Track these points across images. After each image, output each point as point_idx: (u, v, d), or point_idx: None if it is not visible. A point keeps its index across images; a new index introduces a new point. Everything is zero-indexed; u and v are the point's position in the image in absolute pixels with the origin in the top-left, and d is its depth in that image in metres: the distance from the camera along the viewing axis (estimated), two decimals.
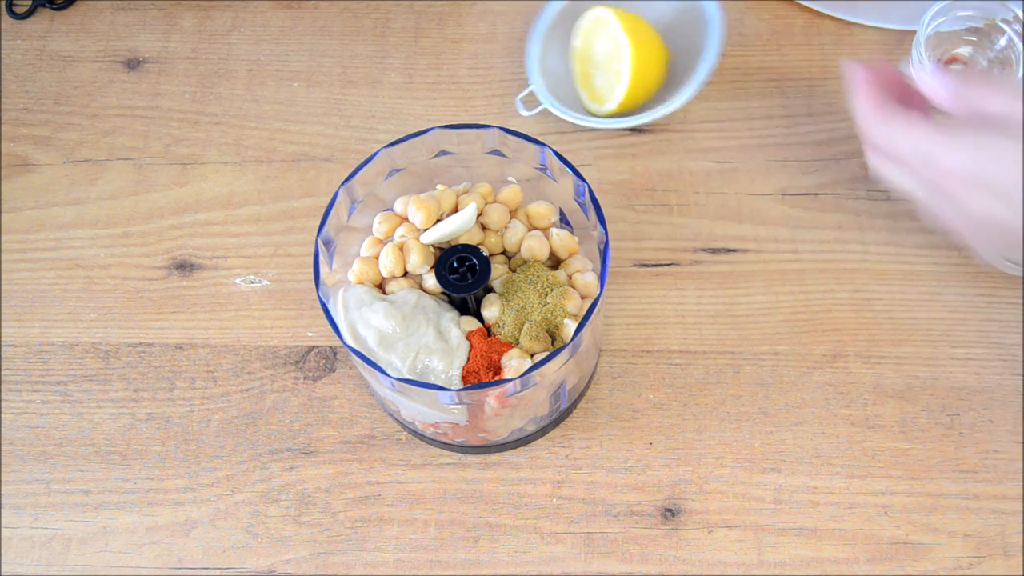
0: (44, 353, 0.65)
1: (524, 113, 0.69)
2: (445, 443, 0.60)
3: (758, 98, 0.71)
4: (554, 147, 0.57)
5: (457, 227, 0.55)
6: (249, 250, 0.68)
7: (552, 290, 0.55)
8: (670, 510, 0.59)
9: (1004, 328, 0.63)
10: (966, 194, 0.46)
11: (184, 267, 0.67)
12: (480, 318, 0.56)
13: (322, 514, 0.60)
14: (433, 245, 0.57)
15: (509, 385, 0.51)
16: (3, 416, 0.63)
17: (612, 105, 0.68)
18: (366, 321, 0.54)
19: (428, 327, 0.54)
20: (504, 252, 0.58)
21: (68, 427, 0.63)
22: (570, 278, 0.56)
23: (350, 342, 0.53)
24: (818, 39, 0.73)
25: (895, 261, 0.66)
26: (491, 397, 0.52)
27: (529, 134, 0.57)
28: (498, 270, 0.57)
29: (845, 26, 0.73)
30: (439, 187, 0.58)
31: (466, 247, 0.56)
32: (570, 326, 0.54)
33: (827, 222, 0.67)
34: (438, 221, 0.56)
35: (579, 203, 0.57)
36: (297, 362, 0.64)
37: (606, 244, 0.54)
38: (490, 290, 0.57)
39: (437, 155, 0.58)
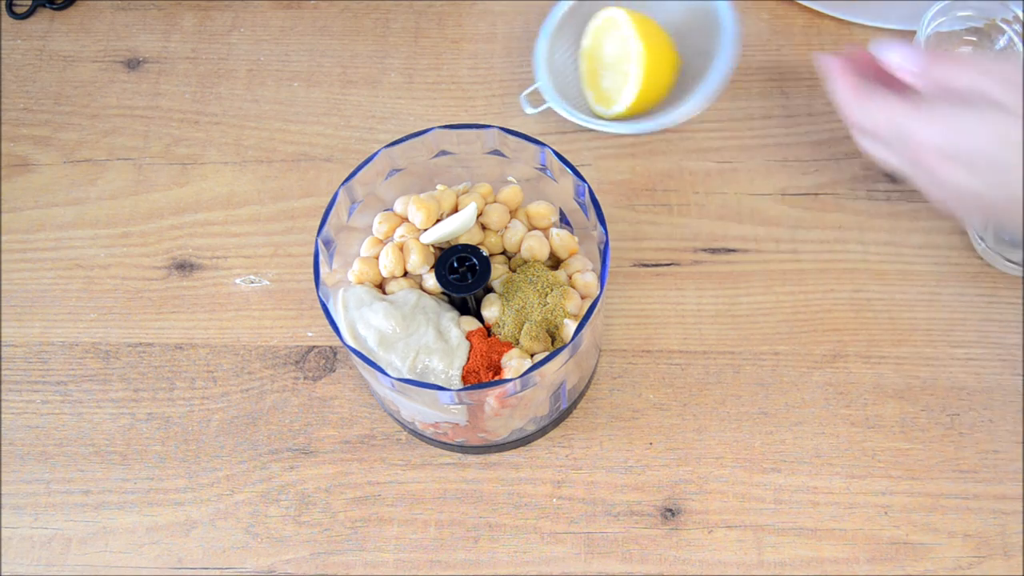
0: (44, 353, 0.65)
1: (528, 111, 0.68)
2: (445, 443, 0.60)
3: (758, 98, 0.71)
4: (554, 147, 0.57)
5: (457, 227, 0.55)
6: (249, 250, 0.68)
7: (552, 290, 0.55)
8: (670, 510, 0.59)
9: (1004, 328, 0.63)
10: (941, 167, 0.47)
11: (184, 267, 0.67)
12: (480, 318, 0.56)
13: (322, 514, 0.60)
14: (433, 245, 0.57)
15: (509, 385, 0.51)
16: (3, 416, 0.63)
17: (620, 108, 0.67)
18: (366, 321, 0.54)
19: (428, 327, 0.54)
20: (504, 252, 0.58)
21: (68, 427, 0.63)
22: (570, 278, 0.56)
23: (350, 342, 0.53)
24: (818, 39, 0.73)
25: (895, 261, 0.66)
26: (491, 397, 0.52)
27: (529, 134, 0.57)
28: (498, 270, 0.57)
29: (845, 26, 0.73)
30: (439, 187, 0.58)
31: (466, 247, 0.56)
32: (570, 326, 0.54)
33: (827, 222, 0.67)
34: (438, 221, 0.56)
35: (579, 203, 0.57)
36: (297, 362, 0.64)
37: (606, 244, 0.54)
38: (490, 290, 0.57)
39: (437, 155, 0.58)
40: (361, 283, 0.57)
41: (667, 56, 0.67)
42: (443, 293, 0.56)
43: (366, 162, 0.56)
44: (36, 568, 0.59)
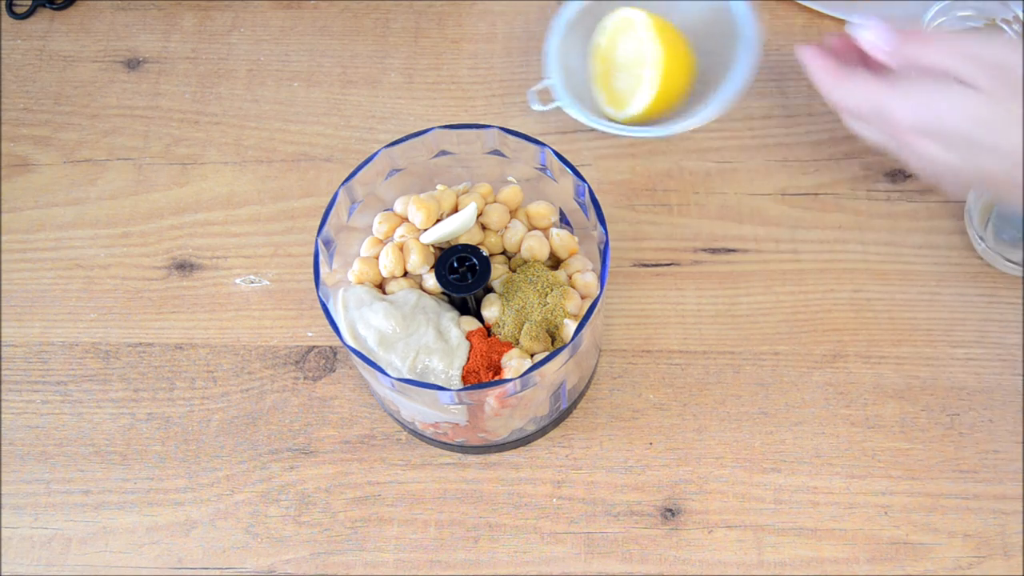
0: (44, 353, 0.65)
1: (536, 107, 0.66)
2: (445, 443, 0.60)
3: (758, 98, 0.71)
4: (554, 147, 0.57)
5: (457, 227, 0.55)
6: (249, 250, 0.68)
7: (552, 290, 0.55)
8: (670, 510, 0.59)
9: (1004, 328, 0.63)
10: (917, 143, 0.49)
11: (184, 267, 0.67)
12: (480, 318, 0.56)
13: (322, 514, 0.60)
14: (433, 245, 0.57)
15: (509, 385, 0.51)
16: (3, 416, 0.63)
17: (633, 111, 0.65)
18: (366, 321, 0.54)
19: (428, 327, 0.54)
20: (504, 252, 0.58)
21: (68, 427, 0.63)
22: (570, 278, 0.56)
23: (350, 342, 0.53)
24: (818, 39, 0.73)
25: (895, 261, 0.66)
26: (491, 397, 0.53)
27: (529, 134, 0.57)
28: (498, 270, 0.57)
29: (845, 26, 0.73)
30: (439, 187, 0.58)
31: (466, 247, 0.56)
32: (570, 326, 0.54)
33: (827, 222, 0.67)
34: (438, 221, 0.56)
35: (579, 203, 0.57)
36: (297, 362, 0.64)
37: (606, 244, 0.54)
38: (490, 290, 0.57)
39: (437, 155, 0.58)
40: (361, 283, 0.57)
41: (684, 62, 0.64)
42: (443, 293, 0.56)
43: (366, 162, 0.56)
44: (36, 568, 0.59)
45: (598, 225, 0.55)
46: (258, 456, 0.62)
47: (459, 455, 0.61)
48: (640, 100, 0.64)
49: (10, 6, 0.77)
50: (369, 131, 0.72)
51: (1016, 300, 0.64)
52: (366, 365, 0.51)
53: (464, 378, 0.53)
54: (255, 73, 0.74)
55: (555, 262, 0.58)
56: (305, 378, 0.64)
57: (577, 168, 0.56)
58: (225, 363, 0.64)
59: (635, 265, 0.66)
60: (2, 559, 0.59)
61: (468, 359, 0.54)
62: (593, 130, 0.67)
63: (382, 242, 0.57)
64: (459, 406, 0.54)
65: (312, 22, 0.76)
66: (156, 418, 0.63)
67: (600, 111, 0.67)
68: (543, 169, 0.58)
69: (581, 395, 0.62)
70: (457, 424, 0.56)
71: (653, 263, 0.66)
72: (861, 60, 0.53)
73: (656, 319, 0.65)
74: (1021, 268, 0.63)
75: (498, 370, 0.54)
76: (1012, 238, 0.64)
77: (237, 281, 0.67)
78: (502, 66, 0.73)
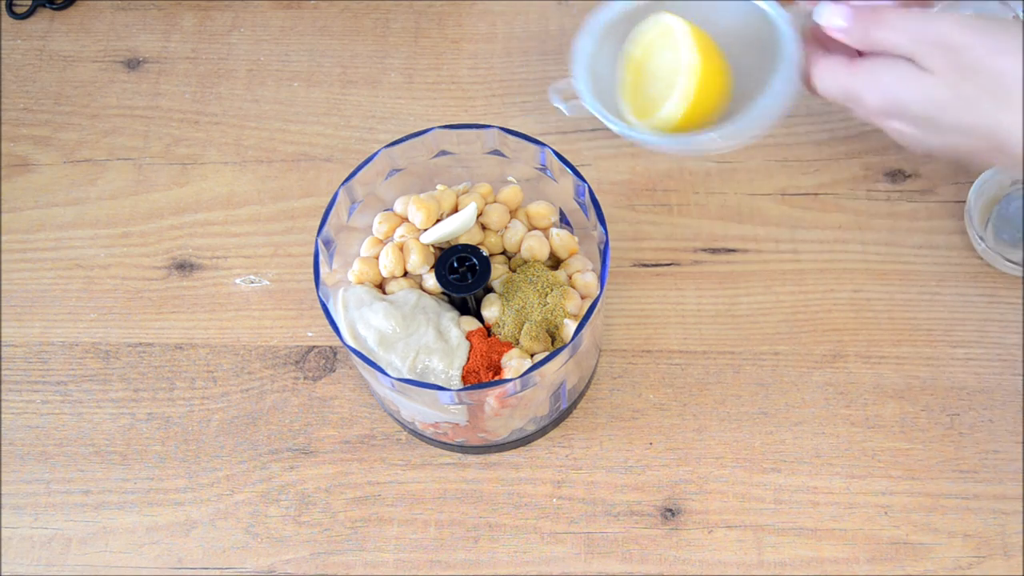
0: (44, 353, 0.65)
1: (558, 104, 0.58)
2: (445, 443, 0.60)
3: None
4: (554, 147, 0.57)
5: (457, 227, 0.55)
6: (249, 250, 0.68)
7: (552, 290, 0.55)
8: (670, 510, 0.59)
9: (1004, 328, 0.63)
10: (890, 125, 0.50)
11: (184, 267, 0.67)
12: (480, 318, 0.56)
13: (322, 514, 0.60)
14: (433, 245, 0.57)
15: (509, 385, 0.51)
16: (3, 416, 0.63)
17: (662, 116, 0.55)
18: (366, 321, 0.54)
19: (428, 327, 0.54)
20: (504, 252, 0.58)
21: (68, 427, 0.63)
22: (570, 278, 0.56)
23: (350, 342, 0.53)
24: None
25: (895, 261, 0.66)
26: (491, 397, 0.53)
27: (529, 134, 0.57)
28: (498, 270, 0.57)
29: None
30: (439, 187, 0.58)
31: (466, 247, 0.56)
32: (570, 326, 0.54)
33: (827, 222, 0.67)
34: (438, 221, 0.56)
35: (579, 203, 0.57)
36: (297, 362, 0.64)
37: (606, 244, 0.54)
38: (490, 290, 0.57)
39: (437, 155, 0.58)
40: (361, 283, 0.57)
41: (721, 77, 0.57)
42: (443, 293, 0.56)
43: (366, 162, 0.56)
44: (36, 568, 0.59)
45: (598, 225, 0.55)
46: (258, 456, 0.62)
47: (459, 455, 0.61)
48: (670, 107, 0.56)
49: (10, 6, 0.77)
50: (369, 131, 0.72)
51: (1016, 300, 0.64)
52: (366, 365, 0.51)
53: (464, 378, 0.53)
54: (255, 73, 0.74)
55: (555, 262, 0.58)
56: (305, 378, 0.64)
57: (577, 168, 0.56)
58: (225, 363, 0.64)
59: (635, 265, 0.66)
60: (2, 559, 0.59)
61: (468, 359, 0.54)
62: (593, 130, 0.67)
63: (382, 242, 0.57)
64: (459, 406, 0.54)
65: (312, 22, 0.76)
66: (156, 418, 0.63)
67: (623, 120, 0.61)
68: (543, 169, 0.58)
69: (581, 395, 0.62)
70: (457, 424, 0.56)
71: (653, 263, 0.66)
72: (841, 43, 0.53)
73: (656, 319, 0.65)
74: (1021, 268, 0.63)
75: (498, 370, 0.54)
76: (1012, 238, 0.64)
77: (237, 281, 0.67)
78: (502, 66, 0.73)
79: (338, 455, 0.61)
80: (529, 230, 0.58)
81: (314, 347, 0.65)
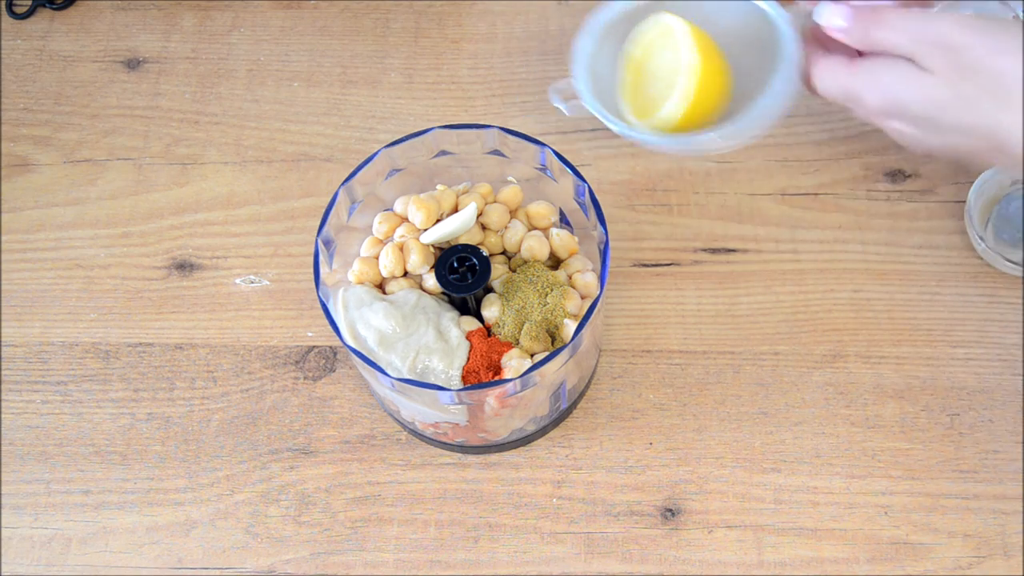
0: (44, 353, 0.65)
1: (558, 104, 0.60)
2: (445, 443, 0.60)
3: None
4: (554, 147, 0.57)
5: (457, 227, 0.55)
6: (249, 250, 0.68)
7: (552, 290, 0.55)
8: (670, 510, 0.59)
9: (1004, 328, 0.63)
10: (890, 125, 0.50)
11: (184, 267, 0.67)
12: (480, 318, 0.56)
13: (322, 514, 0.60)
14: (433, 245, 0.57)
15: (509, 385, 0.51)
16: (3, 416, 0.63)
17: (662, 116, 0.55)
18: (366, 321, 0.54)
19: (428, 327, 0.54)
20: (504, 252, 0.58)
21: (68, 427, 0.63)
22: (570, 278, 0.56)
23: (350, 342, 0.53)
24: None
25: (895, 261, 0.66)
26: (491, 397, 0.53)
27: (529, 134, 0.57)
28: (498, 270, 0.57)
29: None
30: (439, 187, 0.58)
31: (466, 247, 0.56)
32: (570, 326, 0.54)
33: (827, 222, 0.67)
34: (438, 221, 0.56)
35: (579, 203, 0.57)
36: (297, 362, 0.64)
37: (606, 244, 0.54)
38: (490, 290, 0.57)
39: (437, 155, 0.58)
40: (361, 283, 0.57)
41: (721, 78, 0.57)
42: (443, 293, 0.56)
43: (366, 162, 0.56)
44: (36, 568, 0.59)
45: (598, 225, 0.55)
46: (258, 456, 0.62)
47: (459, 455, 0.61)
48: (670, 108, 0.56)
49: (10, 6, 0.77)
50: (369, 131, 0.72)
51: (1016, 300, 0.64)
52: (366, 365, 0.51)
53: (464, 378, 0.53)
54: (255, 73, 0.74)
55: (555, 262, 0.58)
56: (305, 378, 0.64)
57: (577, 168, 0.56)
58: (225, 363, 0.64)
59: (635, 265, 0.66)
60: (2, 559, 0.59)
61: (468, 359, 0.54)
62: (593, 130, 0.67)
63: (382, 242, 0.57)
64: (459, 406, 0.54)
65: (312, 22, 0.76)
66: (156, 418, 0.63)
67: (623, 120, 0.61)
68: (543, 169, 0.58)
69: (581, 395, 0.62)
70: (457, 424, 0.56)
71: (653, 263, 0.66)
72: (841, 43, 0.53)
73: (656, 319, 0.65)
74: (1021, 268, 0.63)
75: (498, 370, 0.54)
76: (1012, 238, 0.64)
77: (237, 281, 0.67)
78: (502, 66, 0.73)
79: (338, 455, 0.61)
80: (529, 230, 0.58)
81: (314, 347, 0.65)
